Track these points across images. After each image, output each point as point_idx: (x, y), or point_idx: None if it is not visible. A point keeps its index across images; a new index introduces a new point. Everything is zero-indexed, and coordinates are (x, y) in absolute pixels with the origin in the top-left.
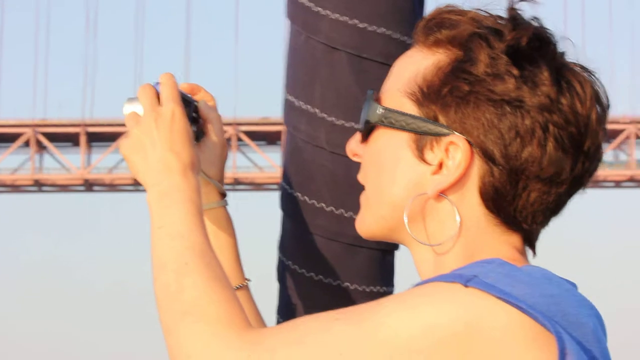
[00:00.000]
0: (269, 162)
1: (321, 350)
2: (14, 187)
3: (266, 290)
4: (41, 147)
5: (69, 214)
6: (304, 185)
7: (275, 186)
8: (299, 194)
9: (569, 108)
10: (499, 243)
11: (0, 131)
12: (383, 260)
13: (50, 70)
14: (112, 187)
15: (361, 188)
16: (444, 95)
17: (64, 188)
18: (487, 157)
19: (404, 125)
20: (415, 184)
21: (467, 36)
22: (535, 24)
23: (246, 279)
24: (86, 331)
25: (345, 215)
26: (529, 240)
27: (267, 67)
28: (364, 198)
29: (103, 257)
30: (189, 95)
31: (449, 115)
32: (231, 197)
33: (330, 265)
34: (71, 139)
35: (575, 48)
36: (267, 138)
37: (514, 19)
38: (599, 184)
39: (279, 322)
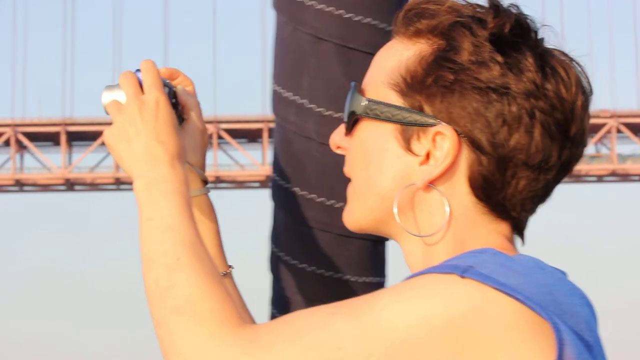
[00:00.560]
0: (251, 159)
1: (319, 346)
2: None
3: (251, 287)
4: (21, 146)
5: (53, 214)
6: (294, 176)
7: (257, 184)
8: (289, 186)
9: (554, 94)
10: (489, 232)
11: None
12: (375, 251)
13: (29, 69)
14: (93, 186)
15: None
16: (428, 85)
17: (45, 188)
18: (475, 145)
19: (389, 117)
20: (402, 175)
21: (448, 25)
22: (515, 11)
23: (229, 266)
24: (80, 332)
25: (336, 206)
26: (518, 228)
27: (245, 64)
28: (350, 190)
29: (98, 256)
30: (168, 81)
31: (434, 105)
32: (214, 195)
33: (323, 256)
34: (52, 139)
35: (555, 35)
36: (248, 136)
37: (495, 6)
38: (580, 178)
39: (272, 314)
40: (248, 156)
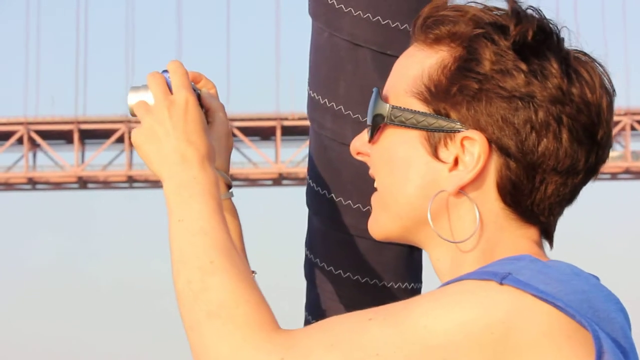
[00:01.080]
0: (264, 157)
1: (357, 352)
2: (8, 186)
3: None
4: (34, 144)
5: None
6: (330, 183)
7: (269, 182)
8: (325, 192)
9: (580, 98)
10: (517, 237)
11: None
12: (411, 257)
13: (42, 68)
14: (106, 184)
15: None
16: (453, 94)
17: (57, 186)
18: (504, 151)
19: (414, 123)
20: (430, 182)
21: (469, 34)
22: (536, 15)
23: (252, 272)
24: (84, 331)
25: None
26: (547, 232)
27: (259, 62)
28: (376, 199)
29: (106, 255)
30: (193, 84)
31: (460, 112)
32: None
33: (359, 263)
34: (64, 137)
35: (575, 37)
36: (261, 134)
37: (516, 12)
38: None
39: (307, 320)
40: (261, 154)
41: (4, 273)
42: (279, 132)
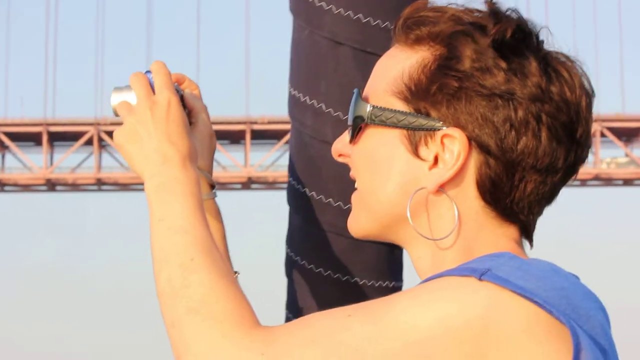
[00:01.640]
0: (233, 161)
1: (337, 348)
2: None
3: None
4: (3, 146)
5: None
6: (310, 180)
7: (238, 186)
8: (306, 190)
9: (559, 97)
10: (497, 236)
11: None
12: (391, 255)
13: (10, 68)
14: (74, 186)
15: None
16: (433, 92)
17: (26, 188)
18: (484, 149)
19: (395, 123)
20: (411, 180)
21: (449, 33)
22: (515, 15)
23: (235, 272)
24: (78, 332)
25: None
26: (526, 231)
27: (229, 65)
28: (357, 197)
29: (101, 257)
30: (176, 84)
31: (440, 110)
32: None
33: (339, 261)
34: (33, 139)
35: (554, 37)
36: (230, 137)
37: (495, 12)
38: None
39: (288, 317)
40: (230, 157)
41: None
42: (248, 136)
